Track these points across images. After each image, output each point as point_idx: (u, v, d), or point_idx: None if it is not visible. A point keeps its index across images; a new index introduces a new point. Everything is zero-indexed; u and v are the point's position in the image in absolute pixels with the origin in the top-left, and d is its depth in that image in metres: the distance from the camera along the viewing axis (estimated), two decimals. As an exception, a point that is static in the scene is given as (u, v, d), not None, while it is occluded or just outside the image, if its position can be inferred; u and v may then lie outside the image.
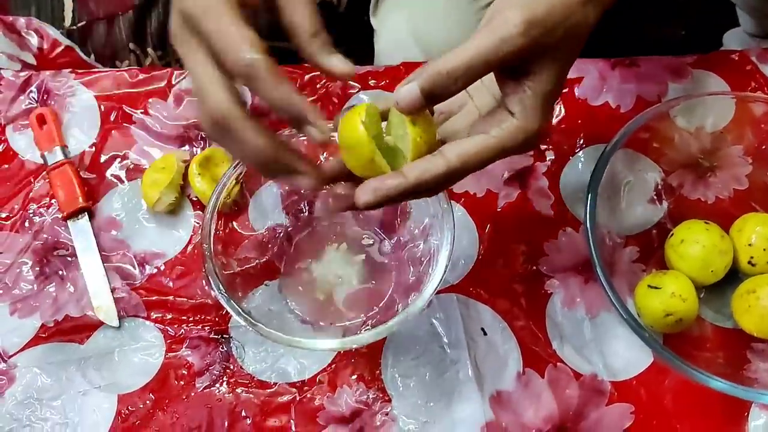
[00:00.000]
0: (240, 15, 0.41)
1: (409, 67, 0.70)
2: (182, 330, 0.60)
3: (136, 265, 0.62)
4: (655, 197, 0.64)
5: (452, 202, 0.55)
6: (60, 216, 0.64)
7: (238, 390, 0.58)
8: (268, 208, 0.62)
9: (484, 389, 0.57)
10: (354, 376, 0.58)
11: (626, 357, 0.59)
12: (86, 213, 0.64)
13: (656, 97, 0.69)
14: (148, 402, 0.57)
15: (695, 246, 0.58)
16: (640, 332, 0.52)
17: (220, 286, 0.52)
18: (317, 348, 0.50)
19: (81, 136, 0.68)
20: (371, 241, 0.63)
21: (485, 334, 0.60)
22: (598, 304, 0.60)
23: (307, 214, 0.64)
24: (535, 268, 0.62)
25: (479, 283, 0.61)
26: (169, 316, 0.60)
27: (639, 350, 0.59)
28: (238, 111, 0.40)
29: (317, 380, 0.58)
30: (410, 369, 0.58)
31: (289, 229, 0.63)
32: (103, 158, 0.67)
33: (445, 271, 0.52)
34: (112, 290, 0.61)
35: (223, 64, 0.40)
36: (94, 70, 0.71)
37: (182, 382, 0.58)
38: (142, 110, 0.68)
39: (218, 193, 0.55)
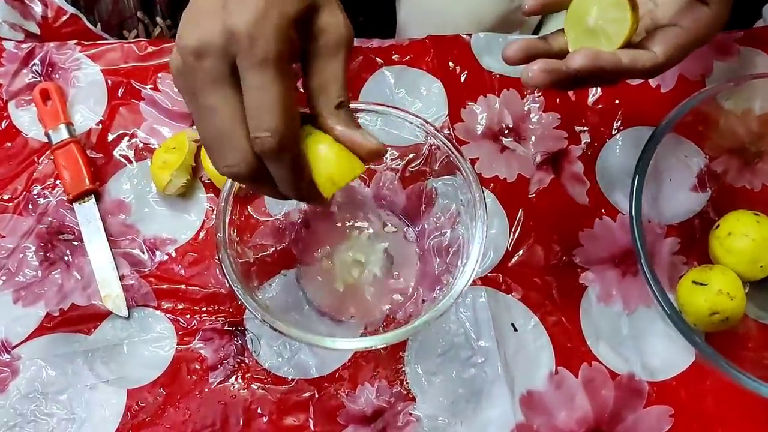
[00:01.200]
0: (289, 64, 0.37)
1: (436, 41, 0.65)
2: (194, 321, 0.57)
3: (146, 252, 0.59)
4: (697, 184, 0.60)
5: (484, 188, 0.51)
6: (65, 198, 0.60)
7: (254, 386, 0.55)
8: (285, 192, 0.59)
9: (514, 389, 0.54)
10: (376, 373, 0.55)
11: (665, 356, 0.55)
12: (93, 195, 0.60)
13: (699, 76, 0.65)
14: (158, 397, 0.54)
15: (744, 239, 0.54)
16: (684, 330, 0.49)
17: (235, 278, 0.48)
18: (338, 348, 0.47)
19: (87, 113, 0.64)
20: (394, 229, 0.59)
21: (515, 330, 0.56)
22: (637, 298, 0.57)
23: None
24: (569, 259, 0.58)
25: (509, 275, 0.58)
26: (181, 306, 0.57)
27: (679, 349, 0.55)
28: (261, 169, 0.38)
29: (337, 376, 0.55)
30: (435, 366, 0.55)
31: (308, 214, 0.59)
32: (110, 137, 0.63)
33: (476, 266, 0.49)
34: (121, 278, 0.58)
35: (250, 122, 0.37)
36: (100, 42, 0.67)
37: (194, 377, 0.55)
38: (152, 85, 0.64)
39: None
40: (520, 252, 0.58)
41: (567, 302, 0.57)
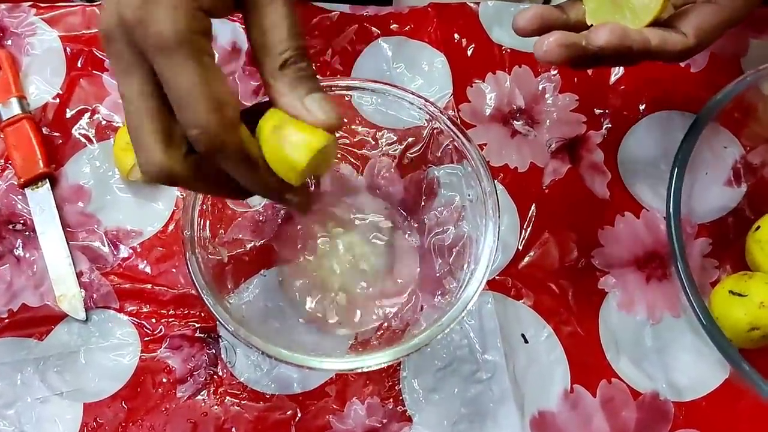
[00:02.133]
0: (208, 46, 0.31)
1: (439, 10, 0.58)
2: (161, 326, 0.50)
3: (107, 245, 0.52)
4: (732, 178, 0.54)
5: (495, 182, 0.45)
6: (16, 183, 0.53)
7: (228, 401, 0.48)
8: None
9: (524, 409, 0.48)
10: (367, 389, 0.48)
11: (694, 373, 0.49)
12: (47, 180, 0.53)
13: (734, 56, 0.58)
14: (119, 413, 0.48)
15: (790, 244, 0.47)
16: (721, 344, 0.42)
17: (204, 284, 0.41)
18: (325, 369, 0.40)
19: (42, 85, 0.56)
20: (390, 224, 0.52)
21: (526, 341, 0.50)
22: (662, 306, 0.50)
23: (313, 188, 0.53)
24: (586, 261, 0.52)
25: (520, 279, 0.51)
26: (146, 309, 0.50)
27: (710, 365, 0.49)
28: (185, 171, 0.32)
29: (323, 393, 0.48)
30: (435, 382, 0.48)
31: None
32: (69, 113, 0.56)
33: (486, 273, 0.42)
34: (78, 275, 0.51)
35: (178, 117, 0.31)
36: (58, 4, 0.59)
37: (160, 390, 0.48)
38: (117, 55, 0.57)
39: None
40: (532, 252, 0.52)
41: (584, 310, 0.50)
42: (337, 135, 0.51)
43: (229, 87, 0.31)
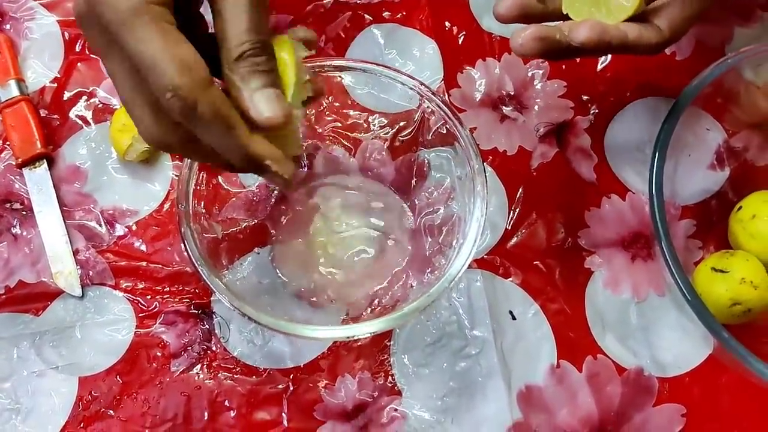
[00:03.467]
0: (167, 14, 0.32)
1: (431, -3, 0.59)
2: (156, 302, 0.51)
3: (104, 224, 0.53)
4: (715, 162, 0.55)
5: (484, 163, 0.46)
6: (14, 163, 0.54)
7: (221, 376, 0.49)
8: (260, 160, 0.53)
9: (512, 383, 0.49)
10: (358, 363, 0.49)
11: (678, 349, 0.50)
12: (45, 160, 0.54)
13: (719, 43, 0.59)
14: (114, 387, 0.49)
15: (770, 223, 0.48)
16: (706, 319, 0.43)
17: (199, 256, 0.42)
18: (317, 337, 0.41)
19: (41, 69, 0.57)
20: (381, 204, 0.53)
21: (514, 318, 0.51)
22: (647, 285, 0.51)
23: (306, 168, 0.54)
24: (573, 241, 0.53)
25: (508, 258, 0.52)
26: (141, 286, 0.51)
27: (694, 342, 0.50)
28: (175, 138, 0.33)
29: (314, 367, 0.49)
30: (425, 357, 0.49)
31: (285, 186, 0.53)
32: (66, 95, 0.57)
33: (474, 246, 0.43)
34: (75, 253, 0.52)
35: (152, 89, 0.31)
36: (57, -11, 0.60)
37: (155, 364, 0.49)
38: (114, 39, 0.58)
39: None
40: (520, 233, 0.53)
41: (571, 288, 0.51)
42: (330, 119, 0.53)
43: (195, 51, 0.31)
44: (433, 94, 0.47)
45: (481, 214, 0.44)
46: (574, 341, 0.50)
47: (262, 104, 0.33)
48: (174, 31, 0.31)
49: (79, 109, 0.56)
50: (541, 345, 0.50)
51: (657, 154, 0.46)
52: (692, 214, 0.53)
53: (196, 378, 0.49)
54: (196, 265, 0.42)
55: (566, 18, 0.42)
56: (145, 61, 0.30)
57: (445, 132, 0.49)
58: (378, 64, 0.48)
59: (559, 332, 0.50)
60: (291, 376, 0.49)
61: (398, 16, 0.59)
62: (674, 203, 0.53)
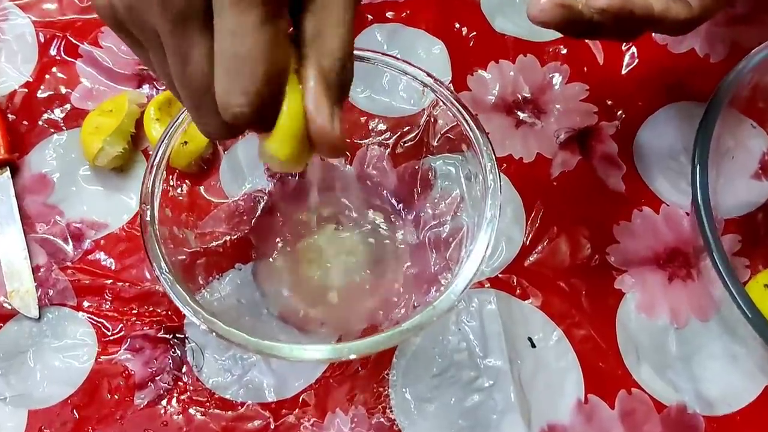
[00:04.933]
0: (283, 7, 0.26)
1: (437, -3, 0.54)
2: (122, 325, 0.44)
3: (69, 238, 0.47)
4: (760, 171, 0.48)
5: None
6: (-26, 170, 0.49)
7: (192, 410, 0.42)
8: (246, 167, 0.47)
9: (531, 422, 0.41)
10: (351, 397, 0.42)
11: (726, 383, 0.43)
12: (8, 167, 0.49)
13: (756, 45, 0.53)
14: (68, 422, 0.42)
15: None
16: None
17: (162, 262, 0.36)
18: (303, 358, 0.34)
19: (12, 72, 0.53)
20: (381, 217, 0.47)
21: (533, 345, 0.44)
22: (688, 308, 0.45)
23: (297, 177, 0.48)
24: (601, 258, 0.46)
25: (526, 277, 0.45)
26: (107, 306, 0.45)
27: (745, 374, 0.43)
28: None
29: (300, 401, 0.42)
30: (429, 390, 0.42)
31: (273, 196, 0.47)
32: (38, 100, 0.52)
33: (485, 254, 0.37)
34: (34, 269, 0.46)
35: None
36: (33, -10, 0.56)
37: (116, 396, 0.42)
38: (92, 41, 0.53)
39: (171, 131, 0.39)
40: (539, 248, 0.46)
41: (599, 312, 0.44)
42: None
43: None
44: (445, 87, 0.42)
45: (491, 222, 0.37)
46: (605, 372, 0.43)
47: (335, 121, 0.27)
48: (285, 35, 0.26)
49: (51, 114, 0.51)
50: (565, 377, 0.43)
51: (698, 157, 0.40)
52: (737, 229, 0.47)
53: (163, 412, 0.42)
54: (159, 274, 0.36)
55: None
56: (240, 52, 0.25)
57: (453, 136, 0.43)
58: (383, 54, 0.42)
59: (586, 362, 0.43)
60: (273, 412, 0.42)
61: (402, 15, 0.54)
62: (716, 217, 0.46)
